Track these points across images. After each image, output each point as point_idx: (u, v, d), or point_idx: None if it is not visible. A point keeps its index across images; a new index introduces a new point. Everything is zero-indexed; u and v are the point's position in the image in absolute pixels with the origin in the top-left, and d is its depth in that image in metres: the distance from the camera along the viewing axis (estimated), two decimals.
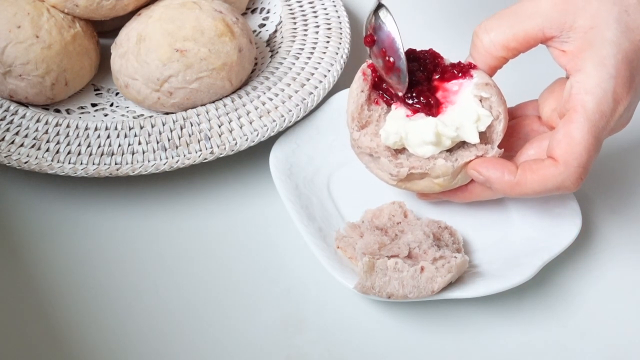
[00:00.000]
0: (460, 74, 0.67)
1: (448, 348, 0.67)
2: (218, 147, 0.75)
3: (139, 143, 0.76)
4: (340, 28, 0.87)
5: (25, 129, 0.76)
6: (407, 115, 0.67)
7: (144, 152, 0.75)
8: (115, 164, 0.74)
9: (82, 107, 0.81)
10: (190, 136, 0.76)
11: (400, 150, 0.68)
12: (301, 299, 0.70)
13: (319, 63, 0.83)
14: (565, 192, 0.65)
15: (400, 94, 0.68)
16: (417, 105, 0.67)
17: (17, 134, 0.76)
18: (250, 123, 0.77)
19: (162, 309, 0.69)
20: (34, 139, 0.75)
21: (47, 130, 0.76)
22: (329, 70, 0.82)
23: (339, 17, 0.88)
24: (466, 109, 0.67)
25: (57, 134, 0.76)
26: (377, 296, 0.66)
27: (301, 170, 0.76)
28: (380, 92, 0.69)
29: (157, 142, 0.76)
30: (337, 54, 0.84)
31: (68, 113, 0.80)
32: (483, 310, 0.69)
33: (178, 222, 0.75)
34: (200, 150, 0.75)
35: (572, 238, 0.70)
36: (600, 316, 0.69)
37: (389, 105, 0.69)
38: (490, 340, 0.68)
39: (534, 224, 0.72)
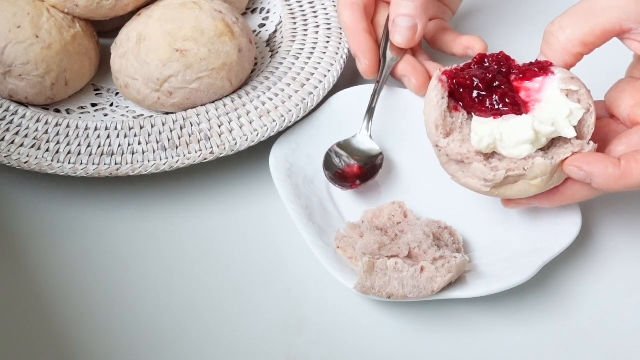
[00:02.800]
0: (541, 71, 0.66)
1: (448, 348, 0.67)
2: (218, 147, 0.75)
3: (139, 143, 0.76)
4: (340, 28, 0.87)
5: (25, 129, 0.76)
6: (495, 116, 0.65)
7: (144, 152, 0.75)
8: (115, 164, 0.74)
9: (82, 107, 0.81)
10: (190, 136, 0.76)
11: (490, 155, 0.65)
12: (301, 299, 0.70)
13: (319, 63, 0.83)
14: None
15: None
16: (505, 108, 0.65)
17: (17, 134, 0.76)
18: (250, 123, 0.77)
19: (161, 309, 0.69)
20: (34, 139, 0.75)
21: (47, 130, 0.76)
22: (329, 70, 0.82)
23: None
24: (556, 105, 0.65)
25: (57, 134, 0.76)
26: (377, 296, 0.66)
27: (301, 170, 0.76)
28: (459, 102, 0.67)
29: (157, 142, 0.76)
30: (337, 54, 0.84)
31: (68, 113, 0.80)
32: (483, 310, 0.69)
33: (178, 222, 0.75)
34: (200, 150, 0.75)
35: (572, 238, 0.70)
36: (600, 316, 0.69)
37: (469, 113, 0.67)
38: (490, 340, 0.68)
39: (534, 224, 0.72)
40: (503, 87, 0.65)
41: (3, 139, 0.75)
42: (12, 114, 0.77)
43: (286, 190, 0.73)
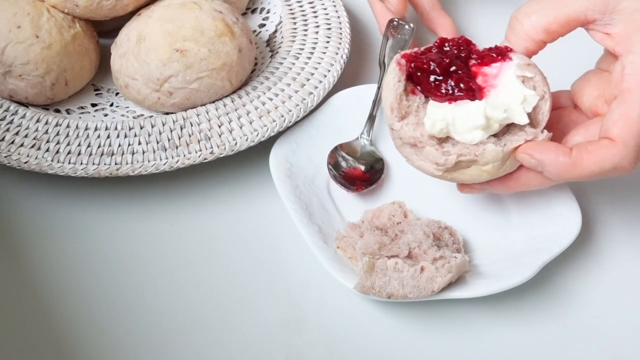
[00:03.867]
0: (498, 57, 0.66)
1: (448, 348, 0.67)
2: (218, 147, 0.75)
3: (139, 143, 0.76)
4: (340, 28, 0.87)
5: (25, 129, 0.76)
6: (450, 101, 0.65)
7: (144, 152, 0.75)
8: (115, 164, 0.74)
9: (82, 107, 0.81)
10: (190, 136, 0.76)
11: (444, 139, 0.66)
12: (301, 299, 0.70)
13: (319, 63, 0.83)
14: (621, 174, 0.64)
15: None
16: (460, 94, 0.65)
17: (17, 134, 0.76)
18: (250, 123, 0.77)
19: (161, 309, 0.69)
20: (34, 139, 0.75)
21: (47, 130, 0.76)
22: (329, 70, 0.82)
23: (339, 17, 0.88)
24: (511, 91, 0.65)
25: (57, 134, 0.76)
26: (377, 296, 0.66)
27: (301, 170, 0.76)
28: (417, 86, 0.67)
29: (157, 142, 0.76)
30: (337, 54, 0.84)
31: (68, 113, 0.80)
32: (483, 310, 0.69)
33: (178, 222, 0.75)
34: (200, 150, 0.75)
35: (572, 238, 0.70)
36: (600, 316, 0.69)
37: (426, 96, 0.67)
38: (490, 340, 0.68)
39: (534, 224, 0.72)
40: (460, 72, 0.65)
41: (3, 139, 0.75)
42: (12, 114, 0.77)
43: (286, 190, 0.73)
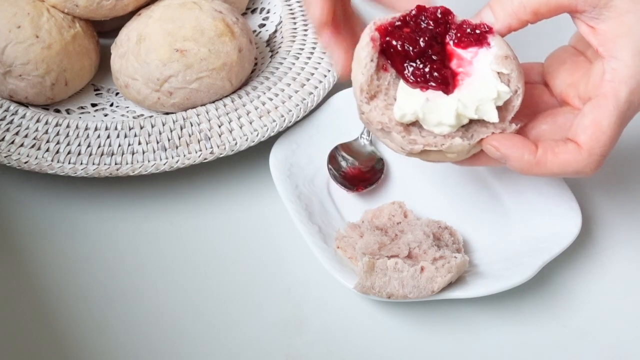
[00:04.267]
0: (477, 42, 0.63)
1: (448, 348, 0.67)
2: (218, 147, 0.75)
3: (139, 143, 0.76)
4: None
5: (25, 129, 0.76)
6: (422, 89, 0.63)
7: (144, 152, 0.75)
8: (115, 164, 0.74)
9: (82, 107, 0.81)
10: (190, 136, 0.76)
11: (413, 122, 0.63)
12: (301, 299, 0.70)
13: (319, 63, 0.83)
14: (580, 177, 0.64)
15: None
16: (433, 83, 0.62)
17: (17, 134, 0.76)
18: (250, 123, 0.77)
19: (161, 309, 0.69)
20: (34, 139, 0.75)
21: (47, 130, 0.76)
22: (329, 70, 0.82)
23: None
24: (485, 85, 0.63)
25: (57, 134, 0.76)
26: (377, 296, 0.66)
27: (301, 170, 0.76)
28: (389, 61, 0.64)
29: (157, 142, 0.76)
30: None
31: (68, 113, 0.80)
32: (483, 310, 0.69)
33: (178, 222, 0.75)
34: (200, 150, 0.75)
35: (572, 238, 0.70)
36: (601, 316, 0.69)
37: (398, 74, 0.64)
38: (490, 340, 0.68)
39: (534, 224, 0.72)
40: (435, 57, 0.63)
41: (3, 139, 0.75)
42: (12, 114, 0.77)
43: (286, 190, 0.73)
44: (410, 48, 0.63)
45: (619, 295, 0.71)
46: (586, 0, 0.62)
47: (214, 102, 0.79)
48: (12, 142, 0.75)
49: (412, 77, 0.63)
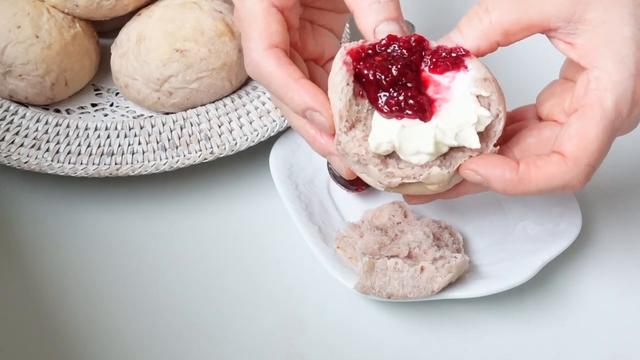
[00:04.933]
0: (453, 66, 0.59)
1: (448, 348, 0.67)
2: (218, 147, 0.75)
3: (139, 143, 0.76)
4: None
5: (25, 129, 0.76)
6: (398, 117, 0.59)
7: (144, 152, 0.75)
8: (115, 164, 0.74)
9: (82, 107, 0.81)
10: (190, 136, 0.76)
11: (390, 154, 0.60)
12: (301, 299, 0.70)
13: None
14: (569, 192, 0.61)
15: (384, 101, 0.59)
16: (409, 111, 0.59)
17: (17, 134, 0.76)
18: (250, 123, 0.77)
19: (161, 309, 0.69)
20: (34, 139, 0.75)
21: (47, 130, 0.76)
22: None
23: None
24: (464, 110, 0.59)
25: (57, 134, 0.76)
26: (377, 296, 0.66)
27: (301, 170, 0.76)
28: (363, 88, 0.60)
29: (157, 142, 0.76)
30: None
31: (68, 113, 0.80)
32: (483, 310, 0.69)
33: (178, 222, 0.75)
34: (200, 150, 0.75)
35: (572, 238, 0.70)
36: (600, 316, 0.69)
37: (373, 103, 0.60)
38: (490, 340, 0.68)
39: (534, 224, 0.72)
40: (409, 84, 0.59)
41: (3, 139, 0.75)
42: (12, 114, 0.77)
43: (286, 190, 0.73)
44: (383, 77, 0.59)
45: (618, 295, 0.71)
46: (558, 16, 0.60)
47: (214, 102, 0.79)
48: (12, 142, 0.75)
49: (386, 107, 0.59)
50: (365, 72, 0.59)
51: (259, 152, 0.78)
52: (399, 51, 0.60)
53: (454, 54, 0.60)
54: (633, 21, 0.60)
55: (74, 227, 0.74)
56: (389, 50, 0.60)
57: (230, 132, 0.76)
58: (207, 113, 0.78)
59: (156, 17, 0.79)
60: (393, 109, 0.59)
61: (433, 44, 0.61)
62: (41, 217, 0.75)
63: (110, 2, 0.80)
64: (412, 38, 0.60)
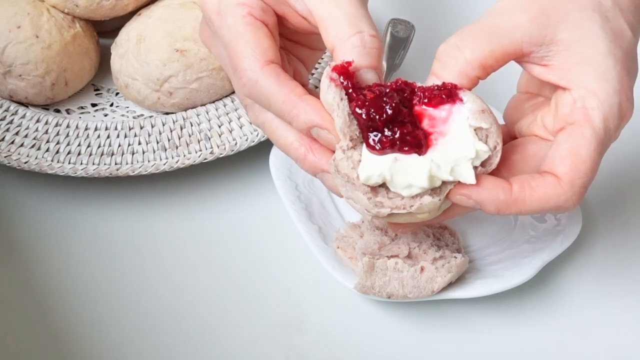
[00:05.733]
0: (448, 99, 0.57)
1: (448, 348, 0.67)
2: (218, 147, 0.75)
3: (139, 143, 0.76)
4: None
5: (25, 129, 0.76)
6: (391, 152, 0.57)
7: (144, 152, 0.75)
8: (115, 164, 0.74)
9: (82, 107, 0.81)
10: (190, 136, 0.76)
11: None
12: (301, 299, 0.70)
13: (319, 63, 0.83)
14: (562, 212, 0.61)
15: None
16: (405, 148, 0.56)
17: (17, 134, 0.76)
18: (250, 123, 0.77)
19: (161, 309, 0.69)
20: (34, 139, 0.75)
21: (47, 130, 0.76)
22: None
23: None
24: (461, 144, 0.57)
25: (57, 134, 0.76)
26: (377, 296, 0.66)
27: (301, 170, 0.76)
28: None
29: (157, 142, 0.76)
30: None
31: (68, 113, 0.80)
32: (483, 310, 0.69)
33: (178, 222, 0.75)
34: (200, 150, 0.75)
35: (572, 238, 0.70)
36: (600, 316, 0.69)
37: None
38: (490, 340, 0.68)
39: (534, 224, 0.72)
40: (404, 121, 0.57)
41: (3, 139, 0.75)
42: (12, 114, 0.78)
43: (286, 190, 0.73)
44: (377, 116, 0.56)
45: (618, 295, 0.71)
46: (530, 41, 0.59)
47: (214, 102, 0.79)
48: (12, 142, 0.75)
49: (379, 145, 0.56)
50: (358, 110, 0.56)
51: (259, 152, 0.78)
52: (390, 93, 0.57)
53: (444, 87, 0.58)
54: (605, 35, 0.59)
55: (74, 227, 0.74)
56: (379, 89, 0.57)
57: (230, 132, 0.76)
58: (207, 113, 0.78)
59: (156, 17, 0.79)
60: (387, 146, 0.56)
61: (418, 84, 0.59)
62: (41, 217, 0.75)
63: (110, 2, 0.80)
64: (399, 81, 0.58)
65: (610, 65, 0.59)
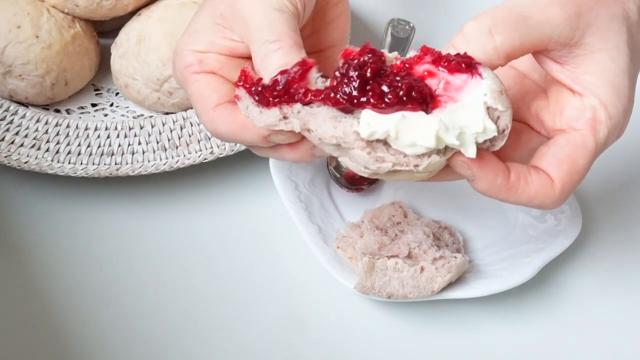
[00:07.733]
0: (467, 69, 0.56)
1: (448, 348, 0.67)
2: (218, 147, 0.75)
3: (139, 143, 0.76)
4: None
5: (25, 129, 0.76)
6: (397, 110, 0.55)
7: (144, 152, 0.75)
8: (115, 164, 0.74)
9: (82, 107, 0.81)
10: (190, 136, 0.76)
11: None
12: (301, 299, 0.70)
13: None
14: (543, 210, 0.64)
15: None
16: (409, 105, 0.55)
17: (17, 134, 0.76)
18: None
19: (161, 309, 0.69)
20: (34, 139, 0.75)
21: (47, 130, 0.76)
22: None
23: None
24: (471, 116, 0.56)
25: (57, 134, 0.76)
26: (377, 296, 0.66)
27: (301, 170, 0.76)
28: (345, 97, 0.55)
29: (157, 142, 0.76)
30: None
31: (68, 113, 0.80)
32: (483, 310, 0.69)
33: (178, 222, 0.75)
34: (200, 150, 0.75)
35: (572, 238, 0.70)
36: (600, 316, 0.69)
37: (356, 107, 0.55)
38: (490, 340, 0.68)
39: (534, 224, 0.72)
40: (407, 76, 0.55)
41: (3, 139, 0.75)
42: (12, 114, 0.78)
43: (286, 190, 0.73)
44: (368, 69, 0.55)
45: (618, 295, 0.71)
46: (558, 40, 0.58)
47: None
48: (12, 142, 0.75)
49: (388, 98, 0.55)
50: (352, 73, 0.55)
51: None
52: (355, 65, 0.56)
53: (465, 57, 0.57)
54: (628, 51, 0.59)
55: (74, 227, 0.74)
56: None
57: None
58: None
59: (156, 17, 0.79)
60: (395, 102, 0.55)
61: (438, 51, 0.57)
62: (41, 217, 0.75)
63: (110, 2, 0.80)
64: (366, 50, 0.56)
65: (626, 83, 0.59)
